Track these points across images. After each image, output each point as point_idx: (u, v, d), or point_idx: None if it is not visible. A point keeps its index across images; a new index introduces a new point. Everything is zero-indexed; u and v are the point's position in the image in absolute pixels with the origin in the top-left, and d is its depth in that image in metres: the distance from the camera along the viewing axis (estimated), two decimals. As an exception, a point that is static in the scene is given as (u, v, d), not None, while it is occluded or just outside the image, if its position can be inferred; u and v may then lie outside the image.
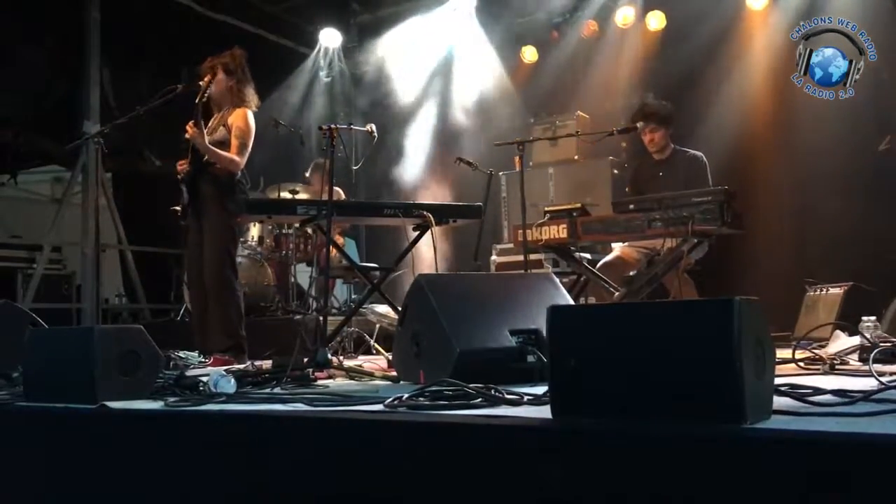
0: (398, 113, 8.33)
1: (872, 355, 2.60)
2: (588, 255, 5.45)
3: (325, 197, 4.21)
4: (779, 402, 1.75)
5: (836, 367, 2.84)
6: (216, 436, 2.26)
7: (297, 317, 5.92)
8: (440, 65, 8.29)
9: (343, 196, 6.73)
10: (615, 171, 6.72)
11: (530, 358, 2.77)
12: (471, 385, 2.20)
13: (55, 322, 4.15)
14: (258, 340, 4.91)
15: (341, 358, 4.21)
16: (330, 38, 9.00)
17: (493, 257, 6.86)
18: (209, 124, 4.88)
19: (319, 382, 3.16)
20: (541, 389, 2.09)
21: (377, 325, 5.45)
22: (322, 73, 9.16)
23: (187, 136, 4.63)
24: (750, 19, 6.90)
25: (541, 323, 2.76)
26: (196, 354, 4.84)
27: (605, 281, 4.86)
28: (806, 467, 1.39)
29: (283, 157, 7.42)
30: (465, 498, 1.74)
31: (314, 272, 6.39)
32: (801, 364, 2.92)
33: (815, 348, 3.16)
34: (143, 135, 7.73)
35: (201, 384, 2.75)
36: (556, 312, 1.84)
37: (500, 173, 7.05)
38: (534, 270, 5.32)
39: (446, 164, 7.10)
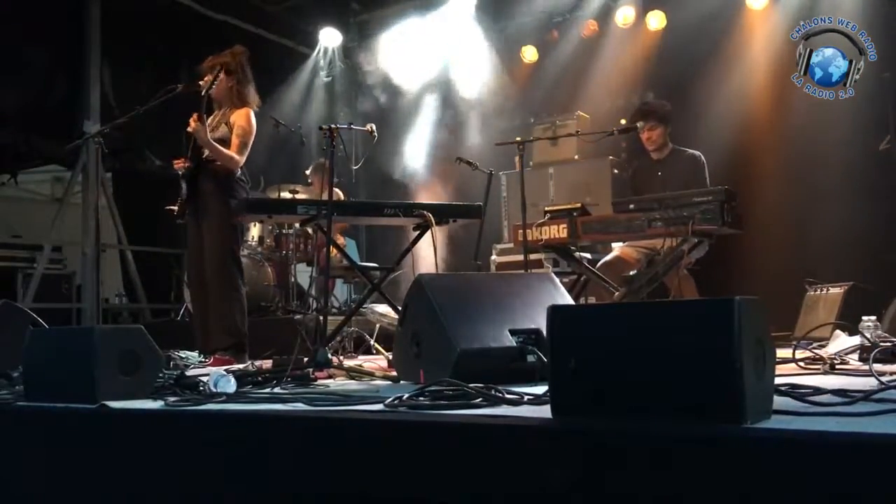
0: (398, 112, 8.33)
1: (872, 355, 2.61)
2: (588, 255, 5.46)
3: (325, 197, 4.21)
4: (779, 402, 1.75)
5: (837, 366, 2.83)
6: (216, 435, 2.26)
7: (298, 316, 5.92)
8: (440, 64, 8.29)
9: (343, 196, 6.74)
10: (615, 171, 6.72)
11: (530, 358, 2.77)
12: (471, 385, 2.20)
13: (55, 322, 4.15)
14: (258, 340, 4.92)
15: (341, 358, 4.21)
16: (330, 37, 9.00)
17: (494, 257, 6.86)
18: (209, 122, 4.88)
19: (319, 382, 3.16)
20: (541, 389, 2.09)
21: (377, 325, 5.45)
22: (322, 73, 9.16)
23: (189, 129, 4.63)
24: (750, 19, 6.91)
25: (541, 323, 2.76)
26: (196, 354, 4.84)
27: (605, 281, 4.86)
28: (806, 467, 1.39)
29: (283, 157, 7.43)
30: (465, 498, 1.74)
31: (314, 272, 6.39)
32: (802, 364, 2.92)
33: (815, 348, 3.16)
34: (143, 135, 7.75)
35: (201, 384, 2.76)
36: (556, 312, 1.84)
37: (501, 173, 7.05)
38: (534, 270, 5.33)
39: (446, 163, 7.10)
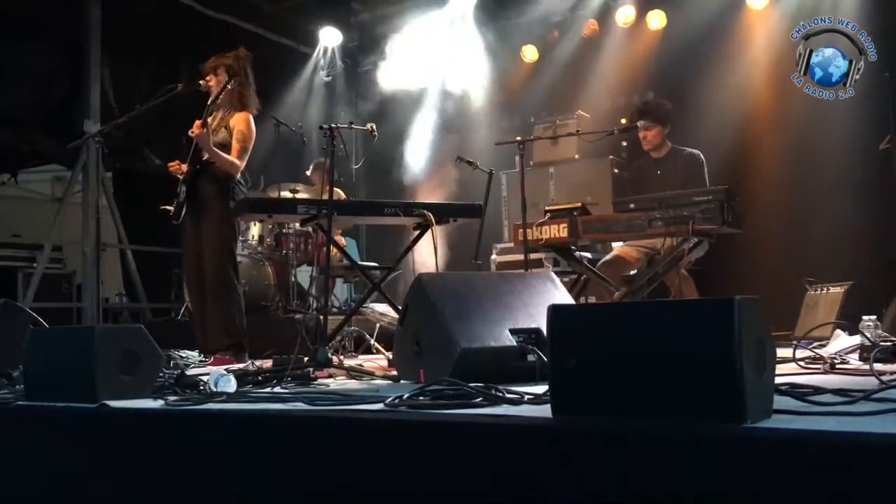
0: (398, 112, 8.33)
1: (873, 354, 2.61)
2: (588, 255, 5.46)
3: (325, 196, 4.21)
4: (779, 401, 1.75)
5: (837, 366, 2.84)
6: (216, 435, 2.26)
7: (298, 316, 5.93)
8: (440, 64, 8.29)
9: (343, 195, 6.74)
10: (615, 171, 6.73)
11: (531, 357, 2.77)
12: (471, 384, 2.20)
13: (56, 321, 4.15)
14: (259, 340, 4.92)
15: (342, 357, 4.22)
16: (330, 37, 9.00)
17: (494, 256, 6.86)
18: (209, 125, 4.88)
19: (320, 382, 3.16)
20: (541, 389, 2.09)
21: (377, 325, 5.45)
22: (322, 73, 9.16)
23: (193, 134, 4.62)
24: (750, 19, 6.91)
25: (541, 322, 2.76)
26: (196, 353, 4.84)
27: (605, 280, 4.86)
28: (806, 467, 1.39)
29: (283, 157, 7.42)
30: (465, 497, 1.74)
31: (314, 271, 6.39)
32: (802, 363, 2.92)
33: (815, 348, 3.16)
34: (143, 134, 7.74)
35: (202, 383, 2.76)
36: (556, 312, 1.84)
37: (501, 172, 7.06)
38: (534, 270, 5.33)
39: (447, 163, 7.10)
